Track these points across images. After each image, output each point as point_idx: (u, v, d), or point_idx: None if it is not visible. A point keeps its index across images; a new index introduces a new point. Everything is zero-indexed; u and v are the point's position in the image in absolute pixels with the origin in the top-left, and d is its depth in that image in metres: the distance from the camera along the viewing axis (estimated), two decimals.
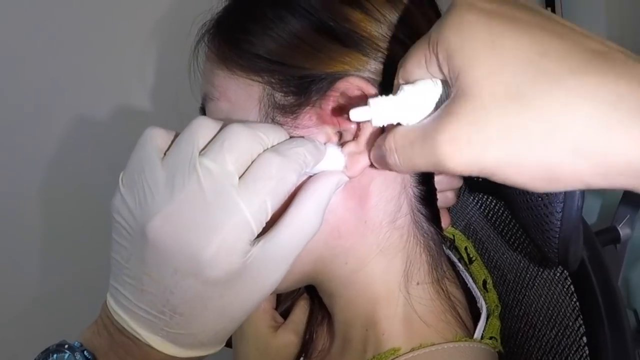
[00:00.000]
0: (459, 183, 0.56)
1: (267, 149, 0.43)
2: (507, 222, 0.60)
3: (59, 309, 1.05)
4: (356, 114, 0.41)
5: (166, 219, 0.40)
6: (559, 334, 0.50)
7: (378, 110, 0.40)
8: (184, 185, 0.40)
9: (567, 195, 0.40)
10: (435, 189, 0.52)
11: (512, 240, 0.59)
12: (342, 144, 0.47)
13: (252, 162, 0.42)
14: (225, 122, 0.43)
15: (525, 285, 0.56)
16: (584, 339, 0.47)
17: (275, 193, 0.41)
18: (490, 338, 0.52)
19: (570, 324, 0.49)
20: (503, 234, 0.61)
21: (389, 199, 0.49)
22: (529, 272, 0.56)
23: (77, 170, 1.04)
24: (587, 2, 1.39)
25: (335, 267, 0.51)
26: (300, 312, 0.64)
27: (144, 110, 1.05)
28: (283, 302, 0.66)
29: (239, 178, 0.41)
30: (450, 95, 0.36)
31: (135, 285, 0.42)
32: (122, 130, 0.89)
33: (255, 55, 0.47)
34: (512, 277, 0.58)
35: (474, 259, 0.61)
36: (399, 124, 0.40)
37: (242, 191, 0.40)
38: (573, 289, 0.50)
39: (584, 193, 0.41)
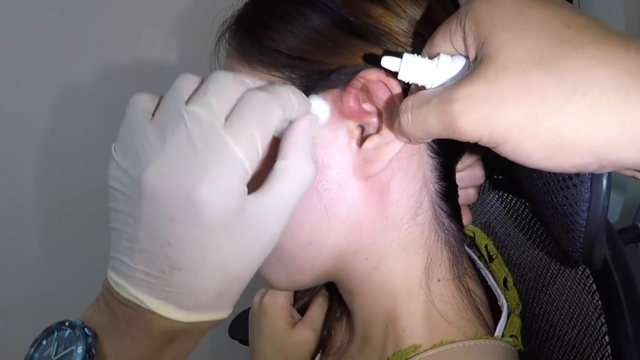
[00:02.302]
0: (480, 180, 0.56)
1: (251, 88, 0.43)
2: (527, 220, 0.60)
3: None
4: (387, 61, 0.41)
5: (158, 167, 0.39)
6: (581, 332, 0.50)
7: (408, 65, 0.41)
8: (174, 134, 0.39)
9: (593, 194, 0.40)
10: (457, 186, 0.52)
11: (532, 238, 0.59)
12: (364, 137, 0.47)
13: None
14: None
15: (545, 283, 0.56)
16: (606, 337, 0.47)
17: (262, 127, 0.40)
18: (511, 336, 0.52)
19: (592, 322, 0.49)
20: (524, 232, 0.60)
21: (410, 194, 0.49)
22: (550, 271, 0.56)
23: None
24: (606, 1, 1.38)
25: (356, 263, 0.51)
26: (318, 308, 0.64)
27: None
28: (300, 298, 0.67)
29: (226, 119, 0.40)
30: (472, 67, 0.37)
31: (132, 247, 0.41)
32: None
33: (276, 51, 0.48)
34: (532, 275, 0.58)
35: (494, 257, 0.61)
36: (420, 89, 0.41)
37: (228, 129, 0.39)
38: (595, 288, 0.50)
39: (609, 193, 0.40)
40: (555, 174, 0.43)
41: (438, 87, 0.40)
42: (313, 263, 0.51)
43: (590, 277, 0.51)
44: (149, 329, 0.42)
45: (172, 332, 0.43)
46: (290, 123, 0.43)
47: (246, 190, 0.40)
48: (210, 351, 1.44)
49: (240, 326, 0.98)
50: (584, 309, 0.50)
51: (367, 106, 0.46)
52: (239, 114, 0.40)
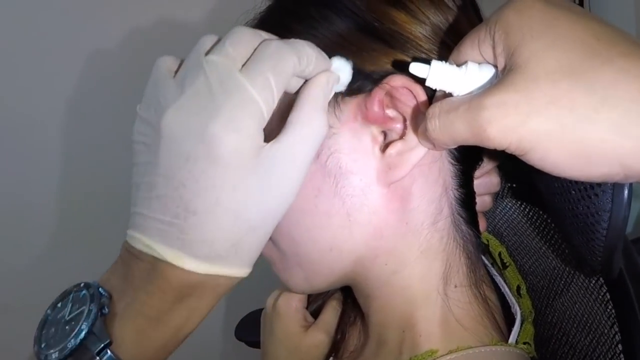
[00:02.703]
0: (497, 187, 0.57)
1: (267, 38, 0.43)
2: (541, 228, 0.61)
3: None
4: (416, 67, 0.42)
5: (175, 109, 0.40)
6: (594, 341, 0.51)
7: (436, 72, 0.41)
8: (193, 82, 0.40)
9: (615, 204, 0.40)
10: (474, 192, 0.53)
11: (545, 246, 0.60)
12: (387, 143, 0.47)
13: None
14: None
15: (558, 292, 0.57)
16: (620, 346, 0.48)
17: (277, 71, 0.40)
18: (525, 343, 0.52)
19: (606, 331, 0.50)
20: (536, 240, 0.61)
21: (431, 201, 0.50)
22: (563, 279, 0.57)
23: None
24: (617, 2, 1.40)
25: (375, 268, 0.51)
26: (332, 312, 0.65)
27: None
28: (314, 301, 0.67)
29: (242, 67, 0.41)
30: (501, 73, 0.38)
31: (149, 196, 0.41)
32: None
33: None
34: (544, 283, 0.59)
35: (507, 264, 0.62)
36: (447, 96, 0.42)
37: (244, 73, 0.40)
38: (609, 297, 0.51)
39: (630, 203, 0.41)
40: (577, 183, 0.44)
41: (466, 94, 0.41)
42: (332, 268, 0.52)
43: (604, 286, 0.52)
44: (163, 282, 0.41)
45: (185, 286, 0.42)
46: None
47: (262, 133, 0.40)
48: (222, 353, 1.44)
49: (247, 328, 0.99)
50: (597, 317, 0.51)
51: (390, 112, 0.47)
52: (254, 60, 0.41)
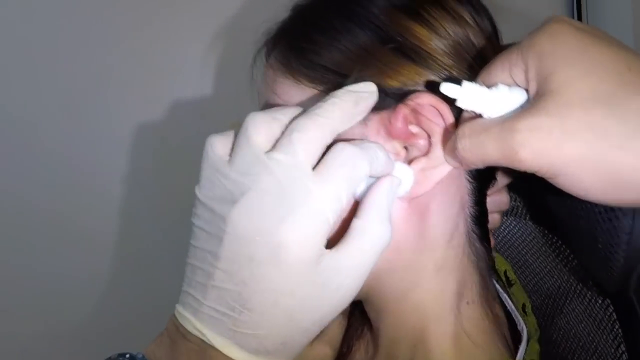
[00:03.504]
0: (506, 205, 0.58)
1: (340, 141, 0.43)
2: (545, 247, 0.62)
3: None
4: (447, 88, 0.43)
5: (244, 208, 0.40)
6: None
7: (467, 93, 0.42)
8: (259, 179, 0.40)
9: (635, 227, 0.42)
10: (487, 210, 0.54)
11: (549, 266, 0.61)
12: (410, 160, 0.48)
13: (325, 153, 0.42)
14: (280, 108, 0.44)
15: (564, 310, 0.58)
16: None
17: (349, 182, 0.41)
18: None
19: (612, 351, 0.51)
20: (541, 259, 0.62)
21: (448, 217, 0.50)
22: (568, 298, 0.58)
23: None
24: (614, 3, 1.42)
25: (390, 283, 0.52)
26: (337, 325, 0.64)
27: (204, 113, 1.06)
28: None
29: (313, 169, 0.41)
30: (534, 98, 0.39)
31: (206, 283, 0.42)
32: (183, 134, 0.95)
33: (323, 66, 0.49)
34: (549, 302, 0.60)
35: (513, 282, 0.63)
36: (477, 117, 0.43)
37: (315, 179, 0.40)
38: (615, 317, 0.52)
39: None
40: (597, 205, 0.45)
41: (496, 117, 0.41)
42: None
43: (610, 306, 0.53)
44: None
45: None
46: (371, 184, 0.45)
47: (325, 242, 0.41)
48: None
49: None
50: (604, 337, 0.52)
51: (414, 128, 0.48)
52: (327, 166, 0.41)
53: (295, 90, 0.50)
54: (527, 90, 0.41)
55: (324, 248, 0.41)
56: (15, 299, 0.98)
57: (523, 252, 0.66)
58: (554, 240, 0.61)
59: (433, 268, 0.51)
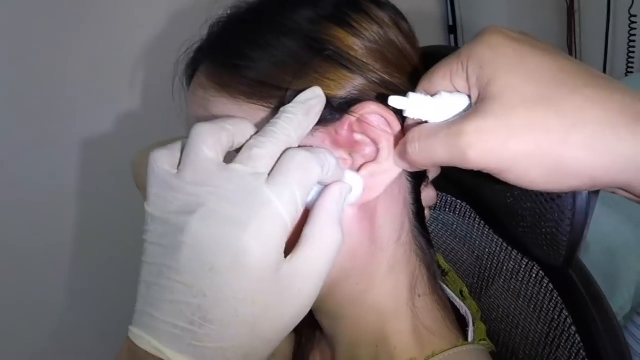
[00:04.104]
0: (434, 200, 0.60)
1: (291, 147, 0.43)
2: (465, 233, 0.66)
3: None
4: (395, 101, 0.44)
5: (203, 217, 0.39)
6: (546, 327, 0.55)
7: (414, 104, 0.44)
8: (216, 190, 0.40)
9: (577, 203, 0.45)
10: (423, 206, 0.56)
11: (479, 248, 0.65)
12: (357, 168, 0.48)
13: (278, 160, 0.42)
14: (226, 119, 0.44)
15: (500, 288, 0.61)
16: (573, 327, 0.52)
17: (303, 184, 0.41)
18: (482, 340, 0.56)
19: (556, 317, 0.54)
20: (468, 245, 0.66)
21: (395, 217, 0.52)
22: (502, 277, 0.61)
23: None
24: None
25: (345, 288, 0.52)
26: (285, 340, 0.64)
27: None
28: None
29: (268, 175, 0.41)
30: (475, 103, 0.42)
31: (162, 298, 0.40)
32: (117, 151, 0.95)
33: (259, 82, 0.48)
34: (483, 284, 0.63)
35: (447, 271, 0.65)
36: (424, 123, 0.45)
37: (271, 185, 0.40)
38: (552, 287, 0.56)
39: (589, 202, 0.46)
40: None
41: (442, 121, 0.44)
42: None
43: (546, 277, 0.56)
44: None
45: None
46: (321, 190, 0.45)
47: (284, 247, 0.41)
48: None
49: None
50: (545, 306, 0.56)
51: (359, 136, 0.48)
52: (281, 172, 0.41)
53: (232, 107, 0.49)
54: (469, 96, 0.43)
55: (282, 254, 0.41)
56: None
57: (448, 242, 0.69)
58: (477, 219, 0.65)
59: (386, 268, 0.52)
